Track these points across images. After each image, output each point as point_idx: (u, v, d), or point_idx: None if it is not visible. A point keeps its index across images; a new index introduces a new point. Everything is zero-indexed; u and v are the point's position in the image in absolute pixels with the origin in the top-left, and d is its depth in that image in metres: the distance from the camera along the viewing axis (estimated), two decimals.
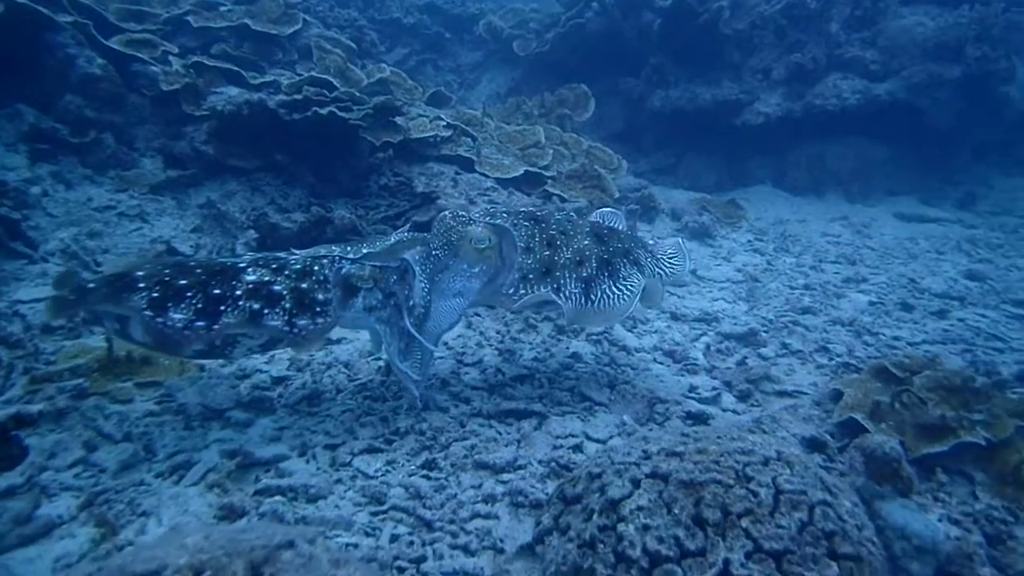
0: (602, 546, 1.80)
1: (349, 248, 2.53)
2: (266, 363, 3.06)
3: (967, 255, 5.22)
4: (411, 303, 2.51)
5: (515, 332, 3.60)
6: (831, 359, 3.60)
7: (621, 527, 1.80)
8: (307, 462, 2.46)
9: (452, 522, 2.20)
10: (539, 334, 3.61)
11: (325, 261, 2.42)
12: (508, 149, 4.72)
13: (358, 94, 3.98)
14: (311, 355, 3.18)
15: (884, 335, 3.92)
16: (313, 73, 4.23)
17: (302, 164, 3.97)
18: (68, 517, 2.06)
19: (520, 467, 2.49)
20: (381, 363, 3.11)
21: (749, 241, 5.48)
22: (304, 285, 2.32)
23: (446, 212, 2.78)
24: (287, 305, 2.27)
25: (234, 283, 2.25)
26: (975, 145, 6.64)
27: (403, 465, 2.47)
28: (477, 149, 4.48)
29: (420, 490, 2.32)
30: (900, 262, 5.13)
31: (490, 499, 2.32)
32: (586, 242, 2.83)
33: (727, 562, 1.67)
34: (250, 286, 2.26)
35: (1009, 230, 5.71)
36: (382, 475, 2.41)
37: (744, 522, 1.75)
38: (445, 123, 4.44)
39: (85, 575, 1.04)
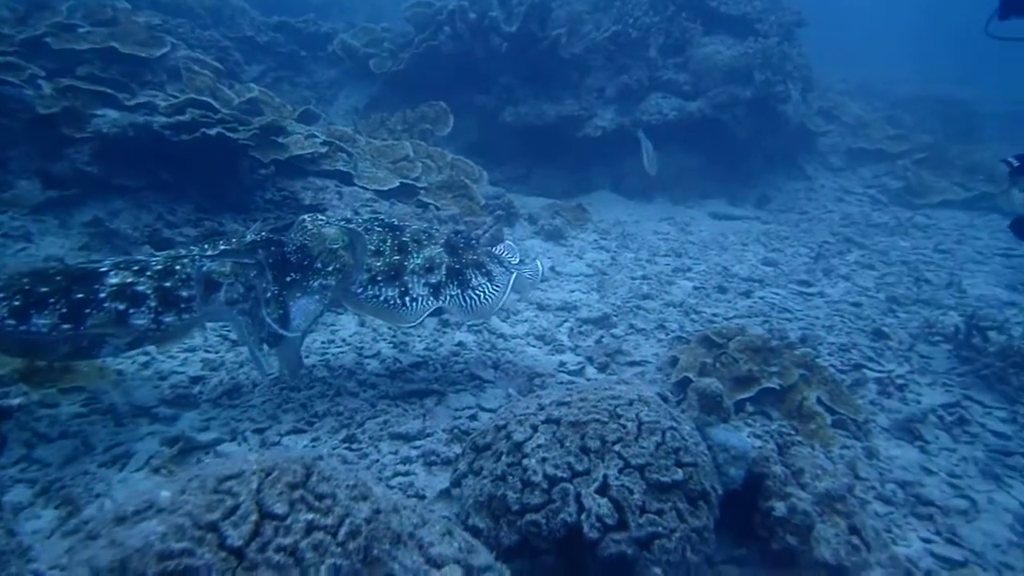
0: (511, 477, 2.30)
1: (207, 247, 2.72)
2: (181, 365, 3.27)
3: (764, 246, 6.31)
4: (268, 295, 2.68)
5: (405, 327, 4.03)
6: (667, 334, 4.35)
7: (525, 461, 2.31)
8: (239, 444, 2.75)
9: (378, 480, 2.62)
10: (426, 327, 4.06)
11: (186, 260, 2.60)
12: (381, 163, 5.10)
13: (241, 115, 4.19)
14: (222, 356, 3.42)
15: (706, 312, 4.75)
16: (191, 95, 4.36)
17: (187, 181, 4.10)
18: (27, 503, 2.24)
19: (428, 435, 2.94)
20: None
21: (596, 240, 6.24)
22: (168, 284, 2.51)
23: (305, 216, 2.98)
24: (152, 304, 2.44)
25: (96, 287, 2.40)
26: (765, 154, 7.89)
27: (327, 441, 2.84)
28: (354, 164, 4.83)
29: (346, 458, 2.71)
30: (715, 253, 6.10)
31: (407, 461, 2.76)
32: (438, 251, 3.06)
33: (606, 476, 2.22)
34: (113, 288, 2.42)
35: (792, 224, 6.92)
36: (310, 449, 2.77)
37: (617, 447, 2.32)
38: (321, 140, 4.74)
39: (186, 477, 1.37)
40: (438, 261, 3.02)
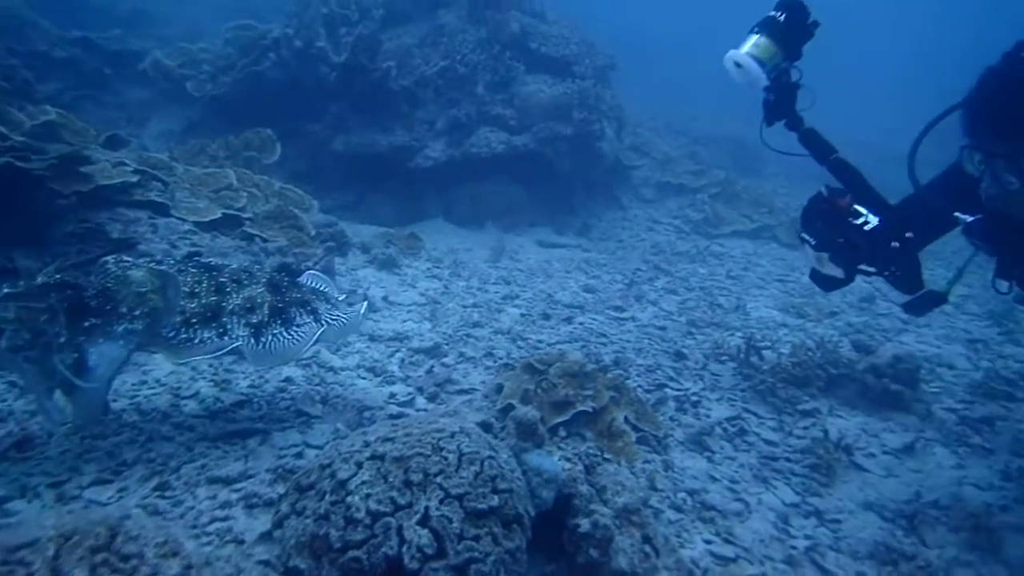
0: (334, 515, 2.35)
1: None
2: None
3: (585, 273, 6.80)
4: (61, 340, 2.52)
5: (228, 364, 3.90)
6: (495, 361, 4.57)
7: (349, 499, 2.37)
8: (29, 502, 2.54)
9: (193, 527, 2.55)
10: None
11: None
12: (201, 192, 4.89)
13: (34, 142, 3.84)
14: (10, 405, 3.12)
15: (532, 339, 5.04)
16: None
17: None
18: None
19: (251, 476, 2.89)
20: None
21: (429, 269, 6.39)
22: None
23: (108, 257, 2.84)
24: None
25: None
26: (586, 186, 8.52)
27: (136, 491, 2.70)
28: (171, 193, 4.60)
29: (158, 508, 2.61)
30: (541, 281, 6.48)
31: (226, 505, 2.70)
32: (260, 290, 3.02)
33: (427, 508, 2.34)
34: None
35: (610, 252, 7.52)
36: (116, 501, 2.62)
37: (439, 479, 2.45)
38: (132, 168, 4.47)
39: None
40: (260, 300, 2.98)
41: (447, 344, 4.71)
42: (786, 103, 2.72)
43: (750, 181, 10.57)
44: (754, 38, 2.66)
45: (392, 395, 3.90)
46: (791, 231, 8.14)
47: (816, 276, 2.87)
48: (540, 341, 5.01)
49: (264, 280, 3.10)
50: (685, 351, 4.94)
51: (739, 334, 5.25)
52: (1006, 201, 2.33)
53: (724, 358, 4.80)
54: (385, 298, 5.45)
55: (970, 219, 2.48)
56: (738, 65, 2.70)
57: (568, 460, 2.95)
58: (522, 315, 5.51)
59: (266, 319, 2.95)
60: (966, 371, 4.82)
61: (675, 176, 9.38)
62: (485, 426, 3.59)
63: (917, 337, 5.44)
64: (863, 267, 2.65)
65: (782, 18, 2.62)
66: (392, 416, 3.60)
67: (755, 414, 4.12)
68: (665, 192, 9.44)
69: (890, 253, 2.57)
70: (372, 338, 4.68)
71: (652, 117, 14.41)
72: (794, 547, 2.94)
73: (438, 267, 6.46)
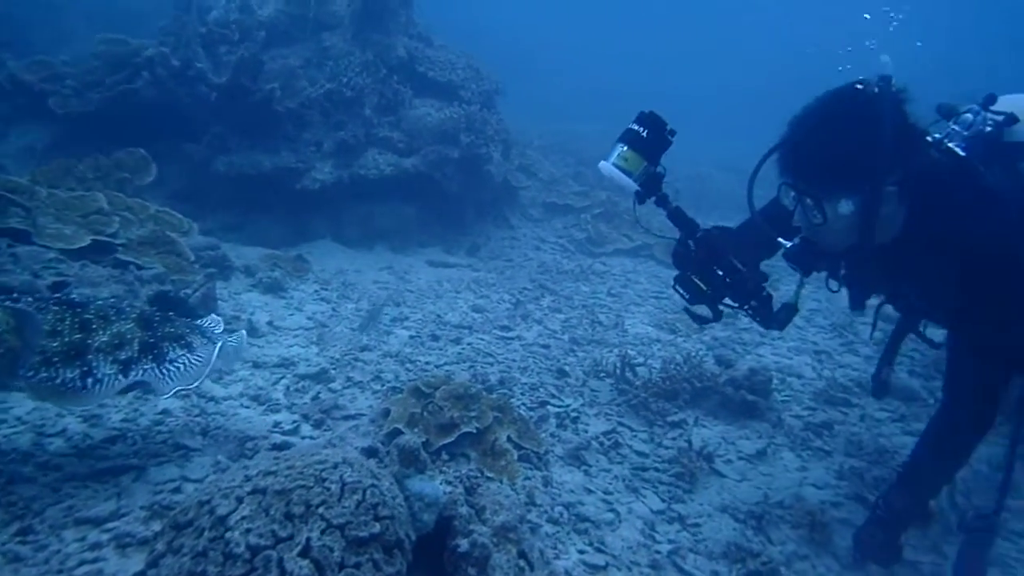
0: (213, 552, 2.36)
1: None
2: None
3: (474, 292, 6.95)
4: None
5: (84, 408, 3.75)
6: (383, 385, 4.62)
7: (228, 534, 2.39)
8: None
9: (59, 572, 2.47)
10: (124, 397, 3.83)
11: None
12: (69, 217, 4.65)
13: None
14: None
15: (420, 361, 5.13)
16: None
17: None
18: None
19: (123, 515, 2.83)
20: None
21: (316, 291, 6.33)
22: None
23: None
24: None
25: None
26: (477, 206, 8.72)
27: None
28: (33, 219, 4.35)
29: (19, 554, 2.51)
30: (431, 301, 6.56)
31: (96, 547, 2.63)
32: (129, 326, 2.96)
33: (308, 539, 2.40)
34: None
35: (499, 271, 7.73)
36: None
37: (321, 509, 2.51)
38: None
39: None
40: (129, 336, 2.93)
41: (334, 368, 4.73)
42: (653, 190, 3.03)
43: (631, 201, 11.14)
44: (621, 149, 2.97)
45: (276, 424, 3.88)
46: (667, 250, 8.69)
47: (689, 312, 3.24)
48: (428, 363, 5.11)
49: (134, 315, 3.04)
50: (567, 368, 5.20)
51: (617, 350, 5.58)
52: (813, 233, 2.72)
53: (603, 374, 5.10)
54: (270, 323, 5.39)
55: (788, 244, 2.86)
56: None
57: (449, 483, 3.07)
58: (411, 337, 5.59)
59: (135, 355, 2.89)
60: (811, 380, 5.37)
61: (561, 197, 9.77)
62: (371, 451, 3.66)
63: (772, 350, 5.99)
64: (727, 302, 3.05)
65: (644, 133, 2.92)
66: (276, 445, 3.60)
67: (629, 427, 4.42)
68: (552, 212, 9.81)
69: (749, 291, 2.94)
70: (256, 365, 4.62)
71: (541, 135, 14.89)
72: (658, 551, 3.21)
73: (326, 289, 6.43)
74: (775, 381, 5.09)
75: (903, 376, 5.27)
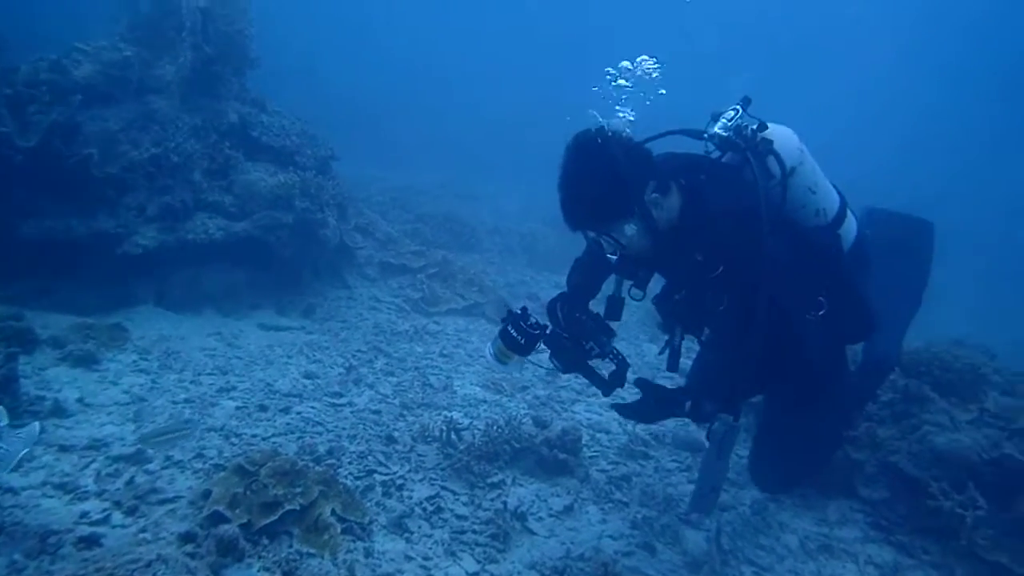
0: None
1: None
2: None
3: (307, 357, 6.96)
4: None
5: None
6: (206, 463, 4.58)
7: None
8: None
9: None
10: None
11: None
12: None
13: None
14: None
15: (246, 434, 5.10)
16: None
17: None
18: None
19: None
20: None
21: (135, 362, 6.07)
22: None
23: None
24: None
25: None
26: (313, 267, 8.77)
27: None
28: None
29: None
30: (260, 368, 6.49)
31: None
32: None
33: None
34: None
35: (334, 333, 7.80)
36: None
37: None
38: None
39: None
40: None
41: (152, 447, 4.62)
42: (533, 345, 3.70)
43: (467, 258, 11.68)
44: (498, 343, 3.70)
45: (84, 514, 3.77)
46: (497, 308, 9.23)
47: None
48: (256, 436, 5.11)
49: None
50: (396, 434, 5.42)
51: (446, 413, 5.90)
52: (624, 251, 3.35)
53: (430, 439, 5.38)
54: (80, 399, 5.16)
55: (614, 258, 3.48)
56: None
57: (267, 569, 3.20)
58: (238, 408, 5.54)
59: None
60: (617, 435, 6.01)
61: (397, 256, 10.06)
62: (189, 536, 3.67)
63: (586, 407, 6.60)
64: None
65: (515, 334, 3.62)
66: (82, 538, 3.51)
67: (452, 491, 4.73)
68: (388, 271, 10.05)
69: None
70: (63, 448, 4.43)
71: (381, 191, 15.14)
72: None
73: (146, 359, 6.20)
74: (585, 438, 5.64)
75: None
